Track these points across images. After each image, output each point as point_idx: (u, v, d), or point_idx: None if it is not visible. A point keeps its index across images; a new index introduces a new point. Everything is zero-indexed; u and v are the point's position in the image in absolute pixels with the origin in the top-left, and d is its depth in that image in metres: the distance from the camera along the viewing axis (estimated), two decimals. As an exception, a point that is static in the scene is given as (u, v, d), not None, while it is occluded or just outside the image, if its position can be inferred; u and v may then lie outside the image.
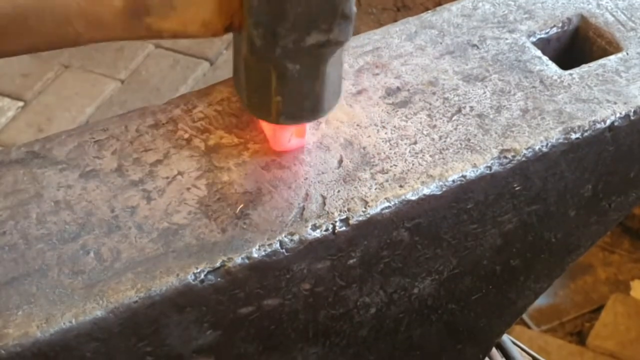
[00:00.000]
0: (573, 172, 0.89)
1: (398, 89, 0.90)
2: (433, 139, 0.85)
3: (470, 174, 0.83)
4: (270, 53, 0.75)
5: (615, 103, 0.88)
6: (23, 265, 0.75)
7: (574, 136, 0.86)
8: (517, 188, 0.86)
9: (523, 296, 1.00)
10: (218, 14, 0.75)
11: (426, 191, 0.81)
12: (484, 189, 0.84)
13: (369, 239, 0.81)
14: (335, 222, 0.79)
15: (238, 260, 0.76)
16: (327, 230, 0.78)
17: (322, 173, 0.82)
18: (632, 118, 0.88)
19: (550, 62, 0.93)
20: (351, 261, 0.81)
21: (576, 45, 0.98)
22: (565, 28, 0.98)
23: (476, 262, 0.90)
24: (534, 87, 0.90)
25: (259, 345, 0.82)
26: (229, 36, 0.82)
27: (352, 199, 0.80)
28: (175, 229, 0.77)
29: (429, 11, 0.99)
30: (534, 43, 0.95)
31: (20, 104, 2.48)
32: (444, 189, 0.82)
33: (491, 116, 0.87)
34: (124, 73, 2.56)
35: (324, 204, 0.80)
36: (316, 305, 0.83)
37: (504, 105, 0.88)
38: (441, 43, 0.95)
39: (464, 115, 0.88)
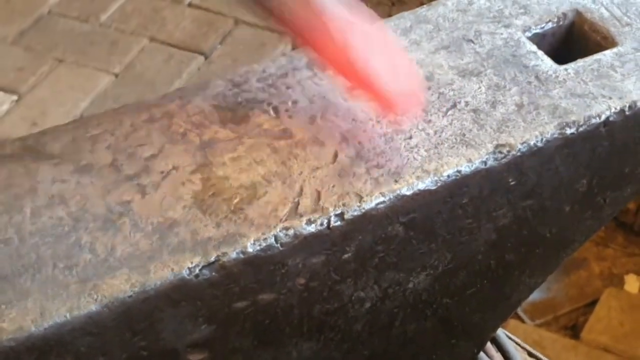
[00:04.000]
0: (568, 167, 0.89)
1: (393, 83, 0.90)
2: (428, 134, 0.85)
3: (465, 168, 0.83)
4: None
5: (610, 98, 0.88)
6: (17, 260, 0.74)
7: (569, 131, 0.86)
8: (512, 183, 0.86)
9: (518, 291, 1.00)
10: None
11: (421, 186, 0.81)
12: (479, 183, 0.84)
13: (364, 234, 0.81)
14: (330, 216, 0.78)
15: (233, 254, 0.76)
16: (321, 225, 0.78)
17: (317, 168, 0.82)
18: (627, 113, 0.88)
19: (545, 57, 0.93)
20: (346, 256, 0.81)
21: (571, 40, 0.98)
22: (561, 23, 0.98)
23: (471, 256, 0.90)
24: (529, 82, 0.90)
25: (254, 340, 0.82)
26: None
27: (347, 193, 0.80)
28: (170, 223, 0.77)
29: (424, 6, 0.99)
30: (529, 38, 0.95)
31: (15, 97, 2.47)
32: (438, 184, 0.82)
33: (486, 111, 0.87)
34: (118, 67, 2.55)
35: (319, 198, 0.79)
36: (311, 300, 0.83)
37: (499, 100, 0.88)
38: (436, 38, 0.95)
39: (459, 110, 0.87)
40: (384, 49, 0.85)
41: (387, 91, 0.83)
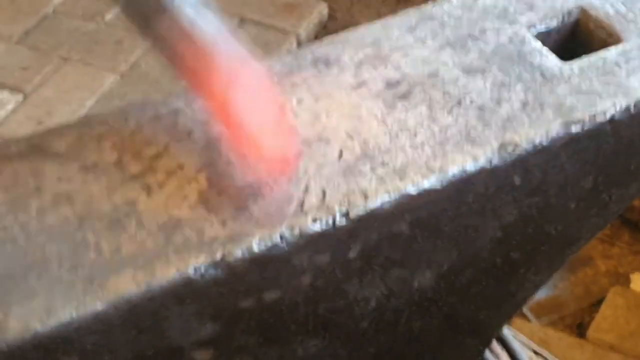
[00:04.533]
0: (573, 165, 0.89)
1: (398, 81, 0.90)
2: (433, 132, 0.85)
3: (471, 166, 0.83)
4: None
5: (615, 95, 0.88)
6: (23, 258, 0.75)
7: (574, 129, 0.86)
8: (517, 181, 0.86)
9: (523, 288, 1.00)
10: None
11: (426, 184, 0.81)
12: (484, 181, 0.84)
13: (369, 232, 0.81)
14: (336, 215, 0.78)
15: (238, 253, 0.76)
16: (327, 223, 0.78)
17: (323, 166, 0.82)
18: (632, 110, 0.88)
19: (550, 54, 0.93)
20: (351, 254, 0.81)
21: (576, 37, 0.98)
22: (566, 20, 0.98)
23: (476, 254, 0.90)
24: (534, 79, 0.90)
25: (259, 338, 0.82)
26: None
27: (352, 192, 0.80)
28: (175, 222, 0.77)
29: (430, 3, 0.99)
30: (534, 35, 0.95)
31: (20, 97, 2.48)
32: (444, 182, 0.82)
33: (491, 108, 0.87)
34: (124, 66, 2.55)
35: (324, 197, 0.79)
36: (316, 298, 0.83)
37: (504, 98, 0.88)
38: (441, 35, 0.95)
39: (464, 107, 0.87)
40: (265, 104, 0.82)
41: (261, 150, 0.80)
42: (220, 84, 0.81)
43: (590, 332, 2.10)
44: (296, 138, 0.84)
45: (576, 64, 0.92)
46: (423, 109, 0.87)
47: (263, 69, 0.85)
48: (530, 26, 0.96)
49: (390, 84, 0.90)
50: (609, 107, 0.87)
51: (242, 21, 2.60)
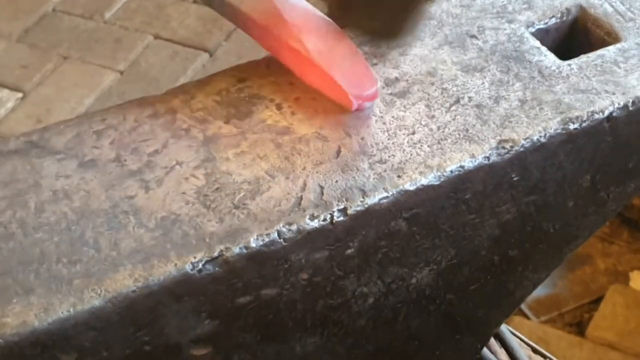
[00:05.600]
0: (571, 163, 0.89)
1: (396, 79, 0.90)
2: (431, 129, 0.85)
3: (469, 164, 0.83)
4: None
5: (613, 94, 0.88)
6: (21, 254, 0.75)
7: (572, 127, 0.86)
8: (515, 178, 0.86)
9: (521, 286, 1.00)
10: None
11: (424, 181, 0.81)
12: (482, 179, 0.84)
13: (367, 229, 0.81)
14: (333, 212, 0.79)
15: (236, 250, 0.76)
16: (325, 220, 0.78)
17: (320, 163, 0.82)
18: (630, 109, 0.88)
19: (548, 53, 0.93)
20: (349, 251, 0.81)
21: (575, 36, 0.98)
22: (564, 18, 0.98)
23: (474, 252, 0.90)
24: (532, 77, 0.90)
25: (257, 335, 0.82)
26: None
27: (350, 189, 0.80)
28: (174, 218, 0.78)
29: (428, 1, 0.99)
30: (532, 33, 0.95)
31: (20, 95, 2.48)
32: (442, 179, 0.82)
33: (489, 106, 0.87)
34: (123, 64, 2.55)
35: (322, 194, 0.80)
36: (314, 295, 0.83)
37: (503, 96, 0.88)
38: (440, 33, 0.95)
39: (463, 105, 0.88)
40: (339, 48, 0.86)
41: (342, 87, 0.84)
42: (292, 34, 0.84)
43: (590, 330, 2.10)
44: (373, 75, 0.86)
45: (574, 63, 0.92)
46: (421, 107, 0.87)
47: (326, 17, 0.89)
48: (528, 25, 0.96)
49: (388, 82, 0.90)
50: (607, 105, 0.87)
51: (242, 19, 2.59)
